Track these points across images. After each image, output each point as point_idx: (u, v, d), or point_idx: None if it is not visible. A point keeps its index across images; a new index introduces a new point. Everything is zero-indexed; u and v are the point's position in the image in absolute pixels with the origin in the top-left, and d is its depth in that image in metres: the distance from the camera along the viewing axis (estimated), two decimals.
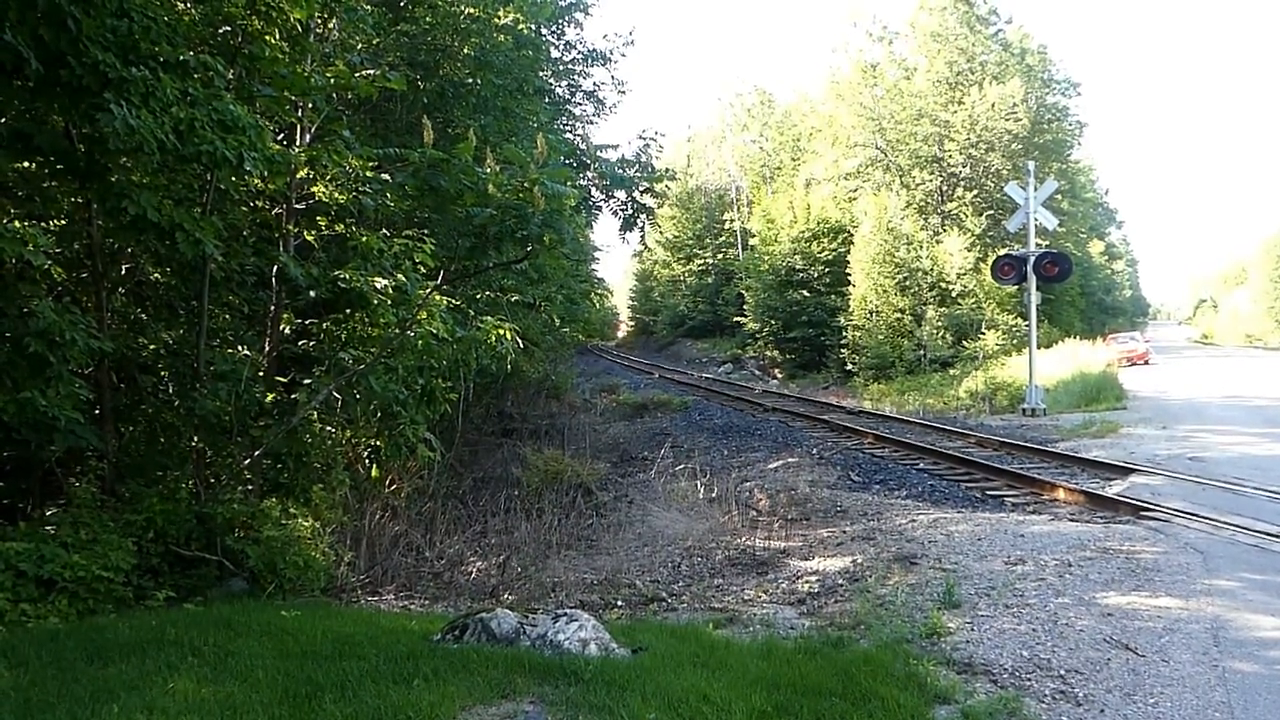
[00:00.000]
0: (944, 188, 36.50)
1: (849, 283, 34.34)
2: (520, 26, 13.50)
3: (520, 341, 9.34)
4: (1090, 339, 35.64)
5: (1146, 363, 38.52)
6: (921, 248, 32.81)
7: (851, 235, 35.62)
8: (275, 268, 8.00)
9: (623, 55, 33.22)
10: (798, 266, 37.85)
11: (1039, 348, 23.06)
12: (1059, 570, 7.33)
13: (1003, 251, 25.18)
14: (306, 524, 7.57)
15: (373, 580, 8.24)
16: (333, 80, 7.85)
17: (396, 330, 8.05)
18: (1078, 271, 40.58)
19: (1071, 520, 9.76)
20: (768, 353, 40.77)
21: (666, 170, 25.27)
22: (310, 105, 8.28)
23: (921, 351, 31.33)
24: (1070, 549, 8.00)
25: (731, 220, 56.18)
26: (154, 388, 7.94)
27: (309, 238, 8.75)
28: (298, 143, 8.35)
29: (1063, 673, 5.20)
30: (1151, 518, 9.42)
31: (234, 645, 5.02)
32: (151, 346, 7.79)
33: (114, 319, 7.42)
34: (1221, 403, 21.69)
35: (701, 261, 58.58)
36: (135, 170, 6.44)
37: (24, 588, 5.54)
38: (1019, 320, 30.24)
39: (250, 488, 7.68)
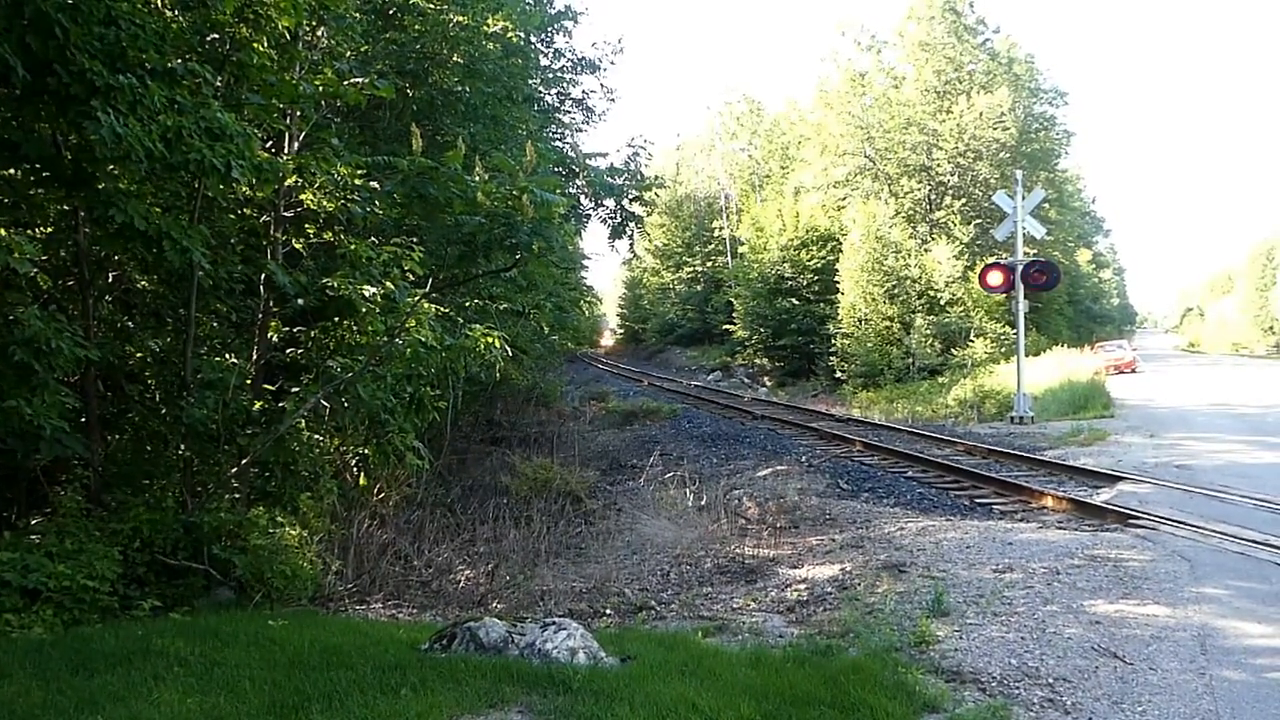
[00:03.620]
0: (932, 196, 36.71)
1: (838, 291, 34.46)
2: (509, 35, 13.50)
3: (509, 349, 9.33)
4: (1078, 347, 35.78)
5: (1134, 371, 38.76)
6: (910, 256, 32.96)
7: (840, 243, 35.75)
8: (263, 276, 7.98)
9: (611, 63, 33.28)
10: (787, 274, 37.96)
11: (1027, 356, 23.19)
12: (1047, 578, 7.36)
13: (991, 260, 25.32)
14: (294, 533, 7.54)
15: (360, 589, 8.21)
16: (321, 88, 7.84)
17: (385, 338, 8.03)
18: (1065, 280, 40.81)
19: (1059, 528, 9.80)
20: (757, 360, 40.85)
21: (656, 178, 25.36)
22: (299, 113, 8.26)
23: (910, 359, 31.44)
24: (1058, 557, 8.04)
25: (721, 228, 56.33)
26: (141, 396, 7.89)
27: (297, 245, 8.72)
28: (286, 150, 8.33)
29: (1051, 681, 5.22)
30: (1139, 526, 9.47)
31: (220, 655, 5.00)
32: (139, 355, 7.75)
33: (101, 327, 7.37)
34: (1208, 411, 21.83)
35: (691, 269, 58.70)
36: (123, 178, 6.41)
37: (8, 598, 5.50)
38: (1007, 328, 30.37)
39: (238, 496, 7.64)
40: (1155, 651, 5.64)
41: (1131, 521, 9.68)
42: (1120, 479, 12.46)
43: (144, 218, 6.14)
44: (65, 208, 6.89)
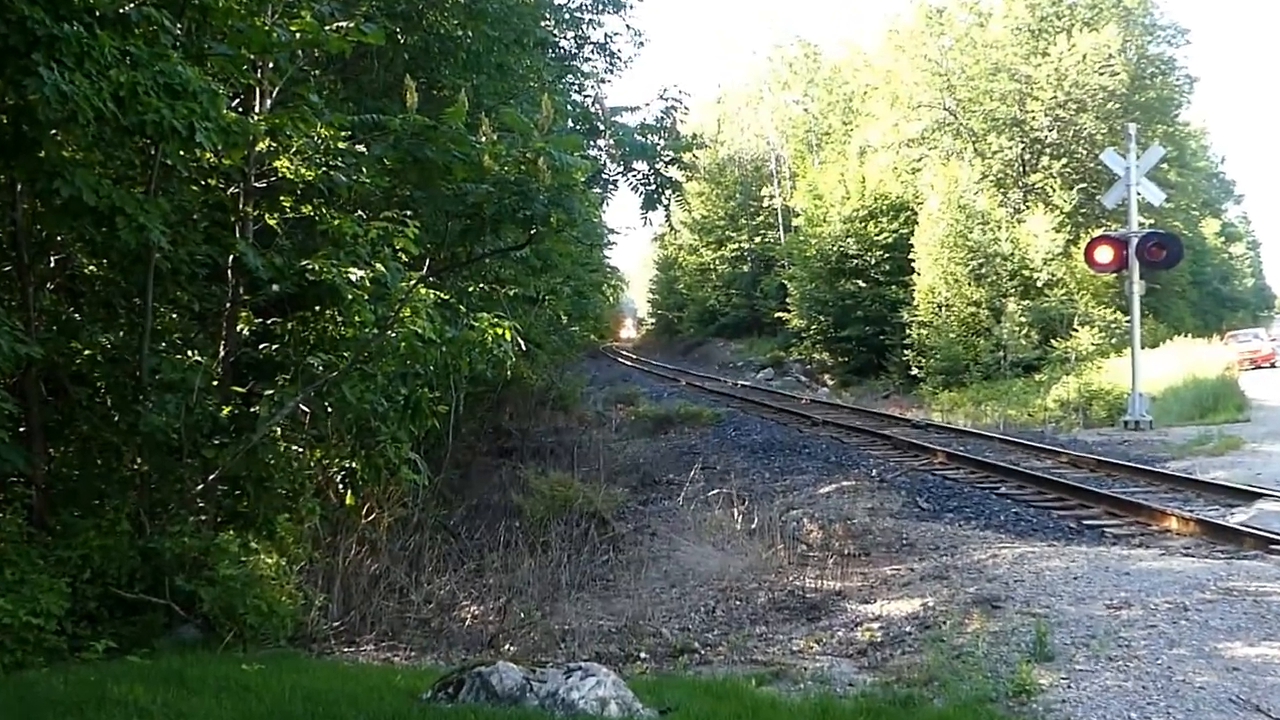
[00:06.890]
0: (1026, 156, 36.36)
1: (913, 271, 34.25)
2: None
3: (521, 343, 9.37)
4: (1205, 337, 35.35)
5: (1274, 365, 38.18)
6: (1000, 228, 32.68)
7: (915, 213, 35.53)
8: (231, 257, 8.03)
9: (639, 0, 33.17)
10: (851, 252, 37.75)
11: (1143, 348, 22.96)
12: (1172, 616, 7.26)
13: (1099, 232, 25.04)
14: (270, 561, 7.59)
15: (349, 627, 8.28)
16: (298, 35, 7.86)
17: (374, 330, 8.08)
18: (1189, 256, 40.28)
19: (1186, 555, 9.68)
20: (816, 355, 40.78)
21: (695, 137, 25.21)
22: (271, 65, 8.31)
23: (1001, 353, 31.19)
24: (1185, 590, 7.93)
25: (771, 196, 56.13)
26: (90, 401, 7.98)
27: (271, 222, 8.78)
28: (257, 109, 8.39)
29: None
30: None
31: (187, 705, 5.05)
32: (86, 352, 7.83)
33: (42, 319, 7.47)
34: None
35: (735, 246, 58.48)
36: (69, 144, 6.49)
37: None
38: (1119, 315, 30.07)
39: (203, 518, 7.72)
40: None
41: (1274, 547, 9.55)
42: (1260, 496, 12.29)
43: (94, 190, 6.18)
44: (1, 180, 6.98)
